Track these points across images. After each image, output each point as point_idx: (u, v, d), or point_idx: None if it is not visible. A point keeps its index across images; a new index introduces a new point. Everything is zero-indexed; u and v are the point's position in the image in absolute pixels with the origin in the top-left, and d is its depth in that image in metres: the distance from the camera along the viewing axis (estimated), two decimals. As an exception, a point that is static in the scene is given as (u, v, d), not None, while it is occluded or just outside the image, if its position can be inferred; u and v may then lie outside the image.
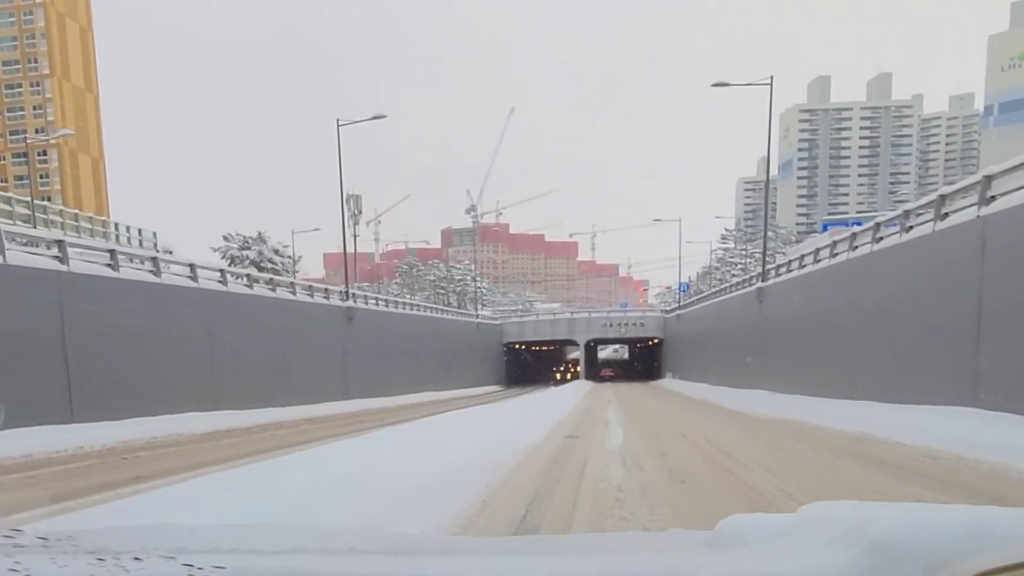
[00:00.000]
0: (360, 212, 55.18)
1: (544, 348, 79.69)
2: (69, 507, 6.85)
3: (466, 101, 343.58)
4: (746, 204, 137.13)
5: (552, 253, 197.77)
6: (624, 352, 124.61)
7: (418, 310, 44.25)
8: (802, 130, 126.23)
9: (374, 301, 36.94)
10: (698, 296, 50.28)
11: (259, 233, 45.98)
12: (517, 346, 65.81)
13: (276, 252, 44.83)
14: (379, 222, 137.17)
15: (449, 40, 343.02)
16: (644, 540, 1.33)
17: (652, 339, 63.13)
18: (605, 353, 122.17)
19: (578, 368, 66.89)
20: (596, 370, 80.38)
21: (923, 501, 1.28)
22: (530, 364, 71.56)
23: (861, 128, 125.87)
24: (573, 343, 65.31)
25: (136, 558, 1.08)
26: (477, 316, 58.46)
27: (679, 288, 63.42)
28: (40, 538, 1.27)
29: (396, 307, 40.36)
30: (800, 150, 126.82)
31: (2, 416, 14.66)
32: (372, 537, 1.34)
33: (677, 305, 56.83)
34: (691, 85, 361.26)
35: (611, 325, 62.33)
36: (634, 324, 61.39)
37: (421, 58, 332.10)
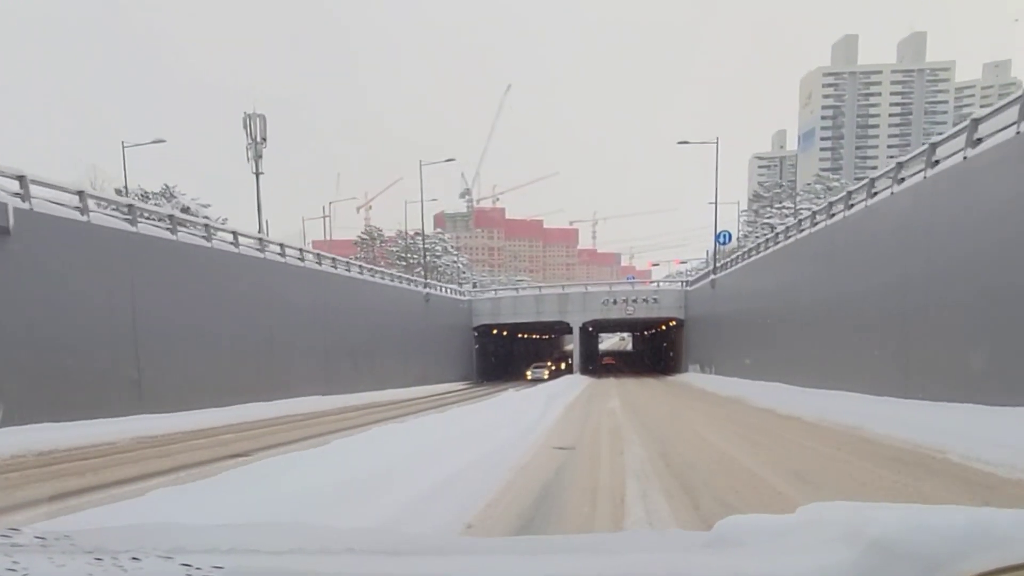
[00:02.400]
0: (265, 140, 37.57)
1: (531, 335, 71.06)
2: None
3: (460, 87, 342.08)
4: (760, 183, 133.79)
5: (551, 240, 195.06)
6: (628, 343, 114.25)
7: (314, 263, 28.86)
8: (826, 95, 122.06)
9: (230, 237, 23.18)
10: (745, 250, 34.15)
11: (167, 186, 39.50)
12: (493, 331, 54.84)
13: (186, 210, 33.41)
14: (370, 207, 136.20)
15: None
16: (644, 540, 1.38)
17: (668, 321, 52.22)
18: (607, 344, 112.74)
19: (571, 361, 55.25)
20: (596, 361, 71.70)
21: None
22: (511, 354, 61.82)
23: (892, 94, 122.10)
24: (565, 328, 54.25)
25: (134, 558, 1.12)
26: (426, 286, 43.73)
27: (718, 241, 41.74)
28: (38, 538, 1.32)
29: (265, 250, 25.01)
30: (823, 118, 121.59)
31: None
32: (370, 537, 1.39)
33: (709, 269, 41.84)
34: (701, 61, 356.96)
35: (614, 302, 50.52)
36: (645, 300, 50.13)
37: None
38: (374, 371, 31.66)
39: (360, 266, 35.35)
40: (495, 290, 60.41)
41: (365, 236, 74.06)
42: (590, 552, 1.18)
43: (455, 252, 79.54)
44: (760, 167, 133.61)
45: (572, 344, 55.58)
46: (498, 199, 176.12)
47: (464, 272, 75.90)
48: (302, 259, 27.75)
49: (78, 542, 1.29)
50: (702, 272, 50.84)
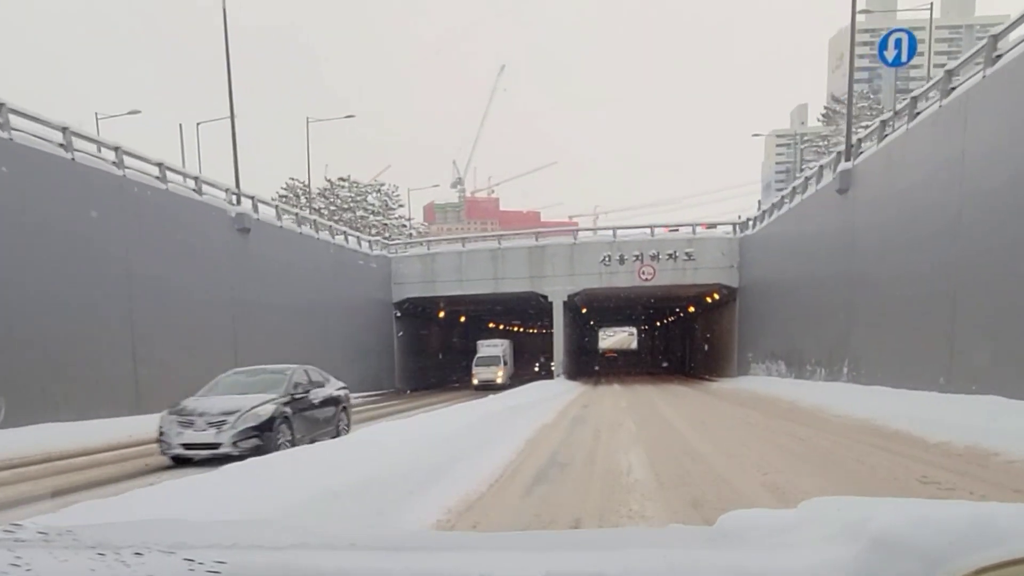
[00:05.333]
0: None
1: (504, 323, 54.69)
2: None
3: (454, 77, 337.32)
4: (778, 163, 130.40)
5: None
6: (633, 341, 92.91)
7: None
8: (860, 55, 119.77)
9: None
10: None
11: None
12: (431, 309, 39.75)
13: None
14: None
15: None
16: (644, 536, 1.45)
17: (705, 294, 36.66)
18: (607, 344, 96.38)
19: (549, 363, 38.82)
20: (594, 359, 58.48)
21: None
22: (460, 349, 45.19)
23: (936, 53, 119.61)
24: (542, 307, 37.63)
25: (136, 553, 1.18)
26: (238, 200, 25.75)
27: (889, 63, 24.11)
28: (40, 532, 1.39)
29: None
30: (858, 81, 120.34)
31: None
32: (372, 533, 1.46)
33: (796, 184, 26.54)
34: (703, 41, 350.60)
35: (620, 260, 33.83)
36: (671, 256, 33.51)
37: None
38: (148, 377, 19.73)
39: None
40: (427, 242, 41.12)
41: (285, 190, 55.12)
42: (589, 548, 1.25)
43: (404, 214, 63.21)
44: (779, 145, 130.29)
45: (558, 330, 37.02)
46: (493, 190, 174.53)
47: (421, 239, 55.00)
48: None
49: (80, 537, 1.36)
50: (781, 196, 29.36)
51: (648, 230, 36.26)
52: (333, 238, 33.18)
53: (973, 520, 1.00)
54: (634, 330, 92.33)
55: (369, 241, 37.99)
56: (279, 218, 29.07)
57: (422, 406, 23.21)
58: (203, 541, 1.30)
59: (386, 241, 41.29)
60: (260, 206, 27.55)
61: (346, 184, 60.21)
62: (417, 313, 39.48)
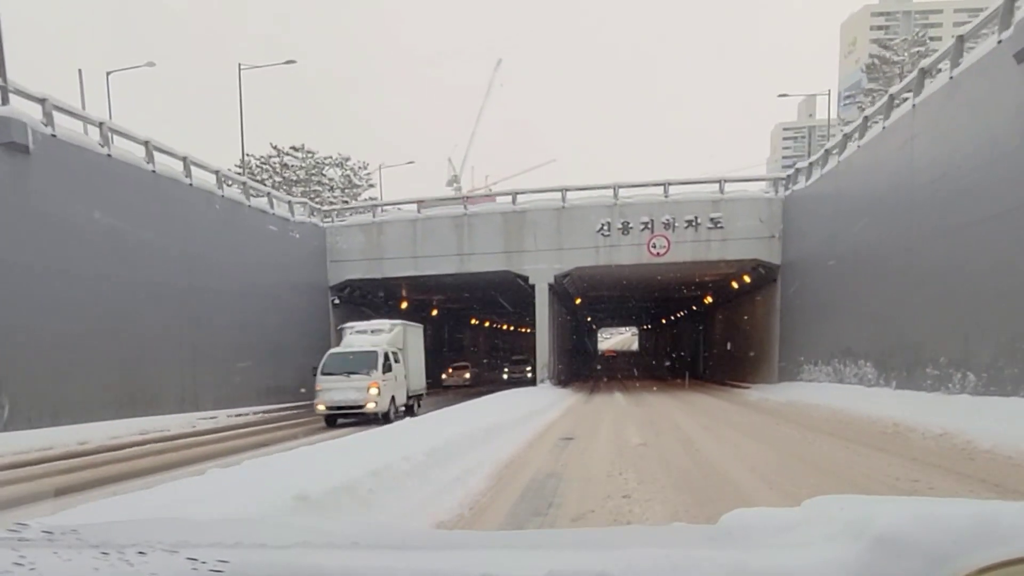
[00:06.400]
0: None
1: (494, 323, 49.18)
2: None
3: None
4: (785, 156, 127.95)
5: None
6: (634, 342, 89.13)
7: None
8: (874, 40, 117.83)
9: None
10: None
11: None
12: (371, 295, 31.86)
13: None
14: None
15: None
16: (646, 534, 1.47)
17: (732, 280, 30.01)
18: (607, 345, 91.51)
19: (525, 366, 34.46)
20: (593, 360, 53.86)
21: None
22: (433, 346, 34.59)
23: (955, 37, 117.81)
24: (521, 290, 30.29)
25: (140, 552, 1.20)
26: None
27: None
28: (45, 532, 1.42)
29: None
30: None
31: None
32: (375, 532, 1.49)
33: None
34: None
35: (623, 229, 27.28)
36: (692, 223, 26.77)
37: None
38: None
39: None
40: (372, 207, 32.01)
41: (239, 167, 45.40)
42: (592, 547, 1.27)
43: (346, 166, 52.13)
44: (786, 138, 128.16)
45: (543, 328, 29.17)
46: (491, 189, 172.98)
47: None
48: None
49: (84, 536, 1.38)
50: (846, 129, 22.63)
51: (661, 189, 27.81)
52: (222, 189, 23.45)
53: (976, 519, 1.01)
54: (635, 329, 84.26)
55: (291, 203, 28.24)
56: (106, 144, 19.23)
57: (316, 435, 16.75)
58: (206, 540, 1.32)
59: (316, 206, 31.25)
60: (64, 119, 18.18)
61: (300, 154, 48.99)
62: (363, 300, 31.07)
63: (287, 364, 25.15)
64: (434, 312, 40.66)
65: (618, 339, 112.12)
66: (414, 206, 30.79)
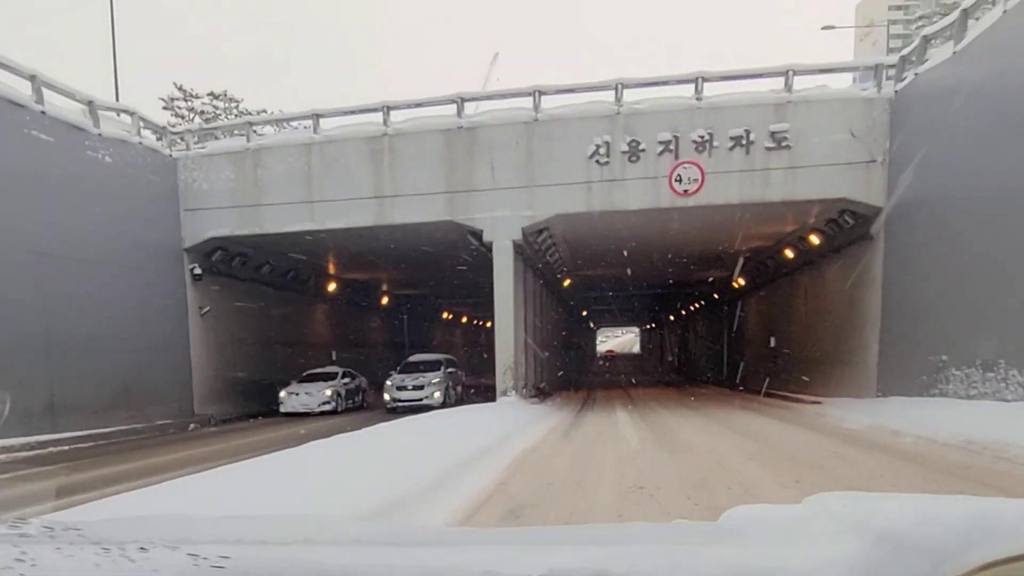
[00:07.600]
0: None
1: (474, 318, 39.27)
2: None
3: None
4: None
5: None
6: (635, 343, 78.03)
7: None
8: (894, 21, 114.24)
9: None
10: None
11: None
12: (254, 262, 22.37)
13: None
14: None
15: None
16: (647, 531, 1.48)
17: (786, 243, 21.88)
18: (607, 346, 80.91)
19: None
20: (591, 363, 45.03)
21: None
22: (362, 337, 30.01)
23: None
24: (479, 259, 20.32)
25: (141, 548, 1.21)
26: None
27: None
28: (45, 528, 1.43)
29: None
30: (891, 51, 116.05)
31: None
32: (377, 529, 1.50)
33: None
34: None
35: (632, 154, 17.33)
36: (741, 142, 16.76)
37: None
38: None
39: None
40: (249, 127, 20.44)
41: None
42: (593, 543, 1.28)
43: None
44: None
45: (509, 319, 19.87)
46: None
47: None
48: None
49: (85, 533, 1.40)
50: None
51: (691, 87, 17.52)
52: (89, 121, 17.00)
53: (979, 516, 1.03)
54: (638, 329, 68.81)
55: (117, 110, 19.05)
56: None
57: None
58: (207, 536, 1.34)
59: (158, 125, 20.59)
60: None
61: (220, 103, 38.46)
62: (240, 272, 21.88)
63: (101, 367, 16.67)
64: (384, 300, 32.26)
65: (617, 342, 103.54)
66: (308, 123, 20.19)
